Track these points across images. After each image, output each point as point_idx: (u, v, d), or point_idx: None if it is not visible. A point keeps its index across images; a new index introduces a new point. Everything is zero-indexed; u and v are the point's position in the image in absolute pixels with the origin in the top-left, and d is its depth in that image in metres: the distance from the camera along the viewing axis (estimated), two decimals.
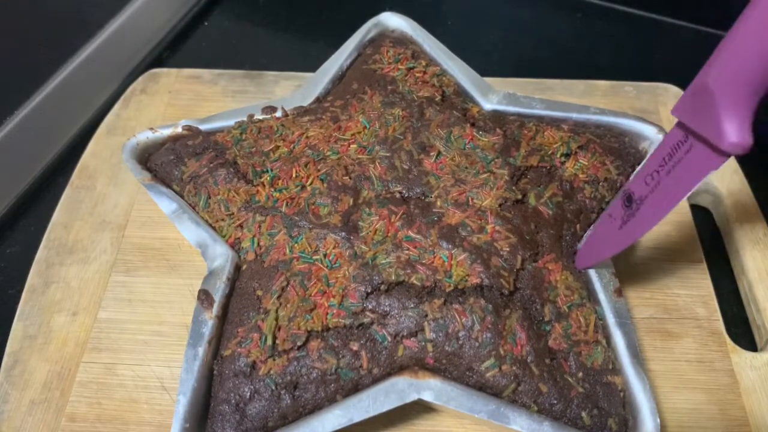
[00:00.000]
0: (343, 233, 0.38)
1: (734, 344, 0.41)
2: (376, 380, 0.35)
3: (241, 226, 0.40)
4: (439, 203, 0.40)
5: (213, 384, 0.35)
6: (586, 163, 0.42)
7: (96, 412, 0.38)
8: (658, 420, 0.33)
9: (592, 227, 0.38)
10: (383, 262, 0.37)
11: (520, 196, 0.40)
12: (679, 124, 0.31)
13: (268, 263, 0.38)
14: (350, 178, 0.41)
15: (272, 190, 0.41)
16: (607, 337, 0.36)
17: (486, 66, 0.51)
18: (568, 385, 0.34)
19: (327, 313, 0.35)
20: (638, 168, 0.33)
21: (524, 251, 0.37)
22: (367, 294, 0.36)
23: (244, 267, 0.39)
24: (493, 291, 0.36)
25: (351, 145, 0.43)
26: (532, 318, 0.36)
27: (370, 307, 0.36)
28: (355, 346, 0.35)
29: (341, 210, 0.39)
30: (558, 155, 0.43)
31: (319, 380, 0.34)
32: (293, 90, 0.55)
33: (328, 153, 0.43)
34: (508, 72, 0.57)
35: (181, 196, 0.43)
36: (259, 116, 0.46)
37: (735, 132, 0.27)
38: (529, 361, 0.34)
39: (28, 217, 0.51)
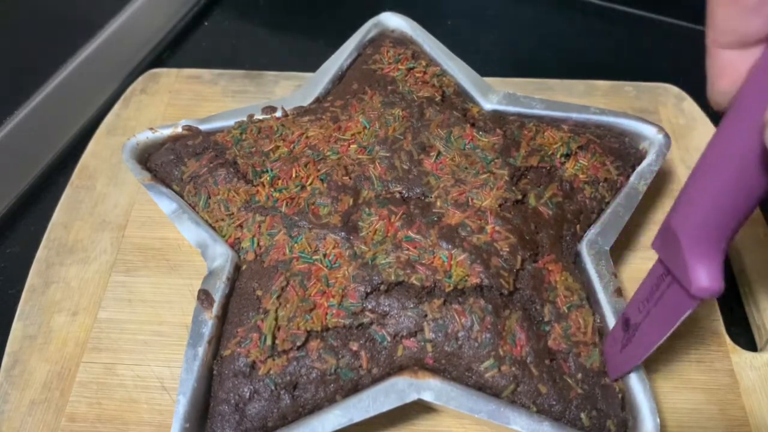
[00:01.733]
0: (343, 233, 0.38)
1: (734, 344, 0.41)
2: (376, 380, 0.35)
3: (240, 226, 0.40)
4: (439, 203, 0.40)
5: (213, 384, 0.35)
6: (586, 164, 0.42)
7: (96, 412, 0.38)
8: (658, 420, 0.33)
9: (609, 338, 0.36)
10: (383, 262, 0.37)
11: (520, 197, 0.40)
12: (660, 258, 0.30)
13: (267, 263, 0.38)
14: (350, 178, 0.41)
15: (272, 190, 0.41)
16: None
17: (486, 66, 0.51)
18: (568, 386, 0.34)
19: (327, 313, 0.35)
20: (635, 292, 0.32)
21: (524, 251, 0.37)
22: (367, 294, 0.36)
23: (244, 267, 0.39)
24: (492, 291, 0.36)
25: (351, 145, 0.43)
26: (532, 318, 0.36)
27: (369, 307, 0.36)
28: (354, 346, 0.35)
29: (341, 210, 0.39)
30: (558, 155, 0.43)
31: (318, 380, 0.34)
32: (293, 90, 0.55)
33: (328, 153, 0.43)
34: (508, 72, 0.57)
35: (181, 196, 0.43)
36: (259, 116, 0.46)
37: (703, 277, 0.26)
38: (528, 361, 0.34)
39: (28, 217, 0.51)
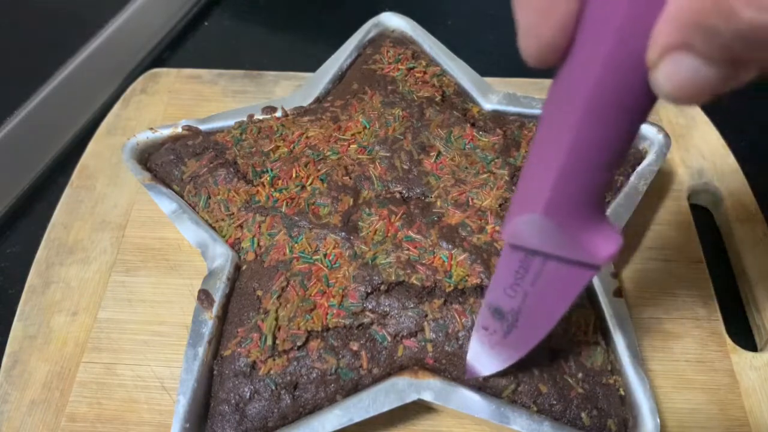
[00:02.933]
0: (343, 233, 0.38)
1: (734, 344, 0.41)
2: (376, 380, 0.35)
3: (241, 226, 0.40)
4: (439, 203, 0.40)
5: (213, 384, 0.35)
6: None
7: (96, 412, 0.38)
8: (658, 420, 0.33)
9: (473, 339, 0.33)
10: (383, 262, 0.37)
11: None
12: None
13: (268, 263, 0.38)
14: (350, 178, 0.41)
15: (272, 190, 0.41)
16: (607, 338, 0.36)
17: (486, 66, 0.51)
18: (568, 386, 0.34)
19: (327, 313, 0.35)
20: (492, 280, 0.28)
21: None
22: (367, 294, 0.36)
23: (244, 267, 0.39)
24: None
25: (351, 145, 0.43)
26: None
27: (370, 307, 0.36)
28: (355, 346, 0.35)
29: (341, 210, 0.39)
30: None
31: (319, 380, 0.34)
32: (293, 90, 0.55)
33: (328, 153, 0.43)
34: (508, 72, 0.57)
35: (181, 196, 0.43)
36: (259, 116, 0.46)
37: (601, 245, 0.23)
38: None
39: (28, 217, 0.51)
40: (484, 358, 0.33)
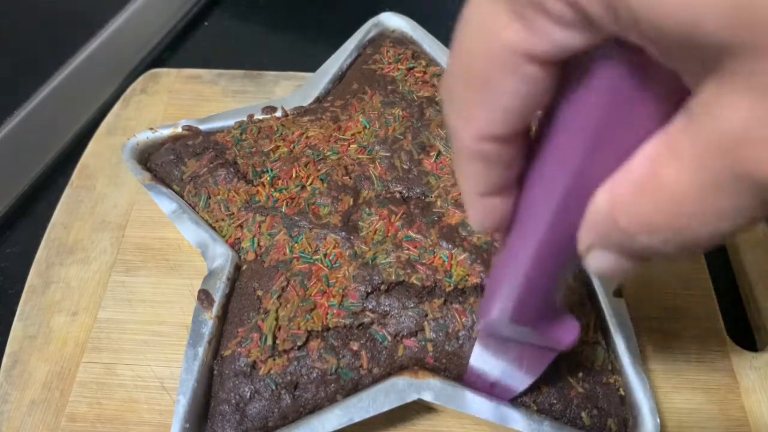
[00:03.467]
0: (343, 233, 0.38)
1: (734, 344, 0.41)
2: (376, 380, 0.35)
3: (241, 226, 0.40)
4: (439, 203, 0.40)
5: (213, 384, 0.35)
6: None
7: (96, 412, 0.38)
8: (658, 420, 0.33)
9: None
10: (383, 262, 0.37)
11: None
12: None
13: (268, 263, 0.38)
14: (350, 178, 0.41)
15: (272, 190, 0.41)
16: (607, 338, 0.36)
17: None
18: (568, 385, 0.34)
19: (327, 313, 0.35)
20: (471, 356, 0.33)
21: None
22: (367, 294, 0.36)
23: (244, 267, 0.39)
24: None
25: (351, 145, 0.43)
26: None
27: (370, 307, 0.36)
28: (355, 346, 0.35)
29: (341, 210, 0.39)
30: None
31: (319, 380, 0.34)
32: (293, 90, 0.55)
33: (328, 153, 0.43)
34: None
35: (181, 196, 0.43)
36: (259, 116, 0.46)
37: (564, 336, 0.27)
38: None
39: (28, 217, 0.51)
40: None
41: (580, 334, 0.27)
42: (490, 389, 0.33)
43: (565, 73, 0.17)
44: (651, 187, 0.16)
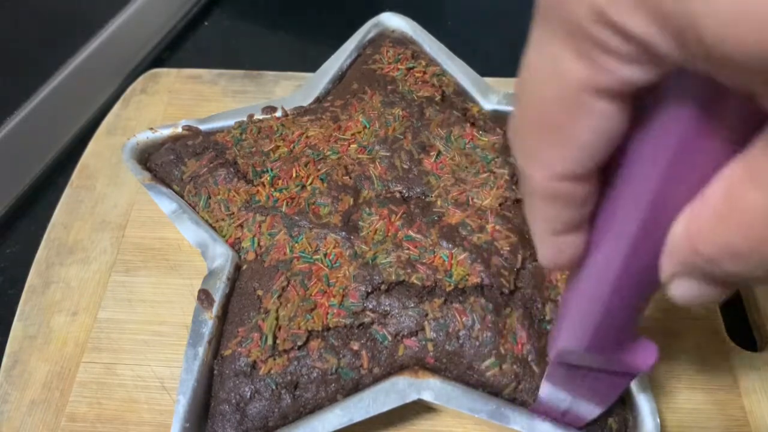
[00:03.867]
0: (344, 233, 0.38)
1: (734, 344, 0.41)
2: (377, 380, 0.35)
3: (241, 226, 0.40)
4: (439, 203, 0.40)
5: (213, 384, 0.35)
6: None
7: (96, 412, 0.38)
8: (658, 420, 0.33)
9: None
10: (383, 261, 0.37)
11: (520, 196, 0.40)
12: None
13: (268, 263, 0.38)
14: (350, 177, 0.41)
15: (272, 189, 0.41)
16: None
17: (486, 66, 0.51)
18: None
19: (327, 313, 0.35)
20: (543, 382, 0.33)
21: (525, 250, 0.37)
22: (368, 294, 0.36)
23: (245, 267, 0.39)
24: (493, 290, 0.36)
25: (351, 145, 0.43)
26: (533, 317, 0.36)
27: (370, 306, 0.36)
28: (355, 346, 0.35)
29: (341, 210, 0.39)
30: None
31: (319, 380, 0.34)
32: (293, 90, 0.55)
33: (328, 153, 0.43)
34: (508, 72, 0.57)
35: (181, 196, 0.43)
36: (259, 116, 0.46)
37: (642, 359, 0.27)
38: (529, 360, 0.34)
39: (28, 217, 0.51)
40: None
41: (657, 358, 0.27)
42: (561, 418, 0.33)
43: (637, 105, 0.17)
44: (732, 213, 0.15)
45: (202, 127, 0.46)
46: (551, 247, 0.21)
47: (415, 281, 0.36)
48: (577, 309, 0.23)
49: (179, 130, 0.46)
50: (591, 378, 0.29)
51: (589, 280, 0.22)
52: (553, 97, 0.17)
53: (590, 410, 0.32)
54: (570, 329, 0.24)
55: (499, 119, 0.45)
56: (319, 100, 0.48)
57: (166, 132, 0.46)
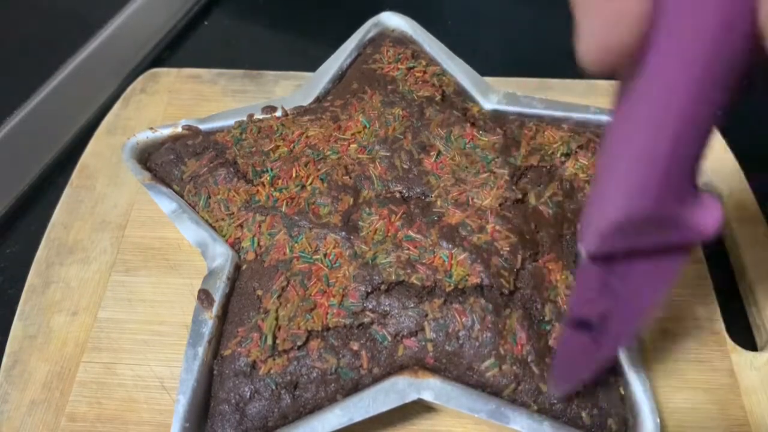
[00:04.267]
0: (343, 233, 0.38)
1: (734, 344, 0.41)
2: (377, 380, 0.35)
3: (241, 225, 0.40)
4: (439, 203, 0.40)
5: (213, 384, 0.35)
6: (587, 163, 0.42)
7: (96, 412, 0.38)
8: (658, 420, 0.33)
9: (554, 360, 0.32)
10: (383, 261, 0.37)
11: (520, 196, 0.40)
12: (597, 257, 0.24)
13: (268, 263, 0.38)
14: (350, 177, 0.41)
15: (272, 189, 0.41)
16: None
17: (486, 66, 0.51)
18: None
19: (327, 313, 0.35)
20: (570, 299, 0.28)
21: (524, 251, 0.37)
22: (367, 294, 0.36)
23: (244, 267, 0.39)
24: (493, 290, 0.36)
25: (351, 145, 0.43)
26: (533, 317, 0.36)
27: (370, 306, 0.36)
28: (355, 346, 0.35)
29: (341, 210, 0.39)
30: (558, 155, 0.43)
31: (319, 380, 0.34)
32: (293, 90, 0.55)
33: (328, 153, 0.43)
34: (508, 72, 0.57)
35: (181, 196, 0.43)
36: (259, 116, 0.46)
37: (705, 219, 0.21)
38: (529, 360, 0.34)
39: (28, 217, 0.51)
40: (574, 371, 0.32)
41: (722, 217, 0.22)
42: (591, 348, 0.29)
43: None
44: None
45: (202, 126, 0.46)
46: (601, 16, 0.16)
47: (414, 281, 0.36)
48: (631, 157, 0.19)
49: (179, 129, 0.46)
50: (635, 274, 0.24)
51: (652, 101, 0.18)
52: None
53: (632, 324, 0.27)
54: (623, 192, 0.20)
55: (499, 119, 0.45)
56: (319, 99, 0.48)
57: (166, 132, 0.46)
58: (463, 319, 0.35)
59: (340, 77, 0.49)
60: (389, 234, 0.38)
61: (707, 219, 0.21)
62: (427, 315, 0.35)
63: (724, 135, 0.51)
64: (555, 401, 0.34)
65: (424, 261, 0.37)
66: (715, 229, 0.22)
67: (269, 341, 0.35)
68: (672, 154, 0.19)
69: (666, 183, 0.20)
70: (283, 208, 0.40)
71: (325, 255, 0.37)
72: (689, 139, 0.18)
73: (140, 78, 0.57)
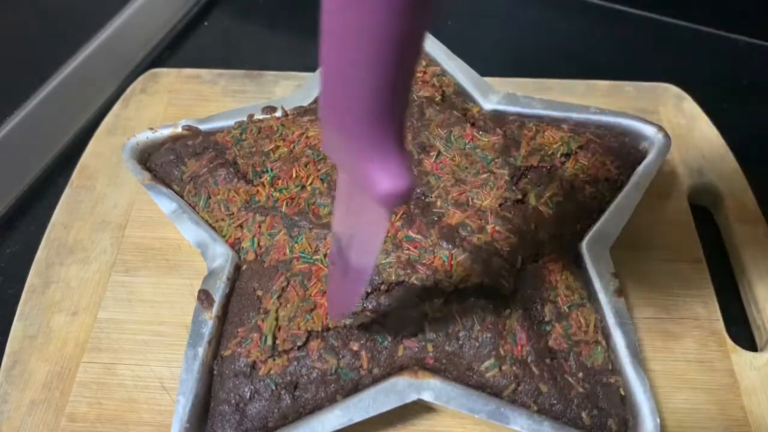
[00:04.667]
0: None
1: (734, 344, 0.41)
2: (377, 380, 0.35)
3: (241, 226, 0.40)
4: (439, 203, 0.40)
5: (213, 384, 0.35)
6: (587, 163, 0.42)
7: (96, 412, 0.38)
8: (658, 420, 0.33)
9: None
10: (383, 262, 0.37)
11: (520, 196, 0.40)
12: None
13: (268, 263, 0.38)
14: None
15: (272, 190, 0.41)
16: (607, 337, 0.36)
17: (486, 66, 0.51)
18: (568, 385, 0.34)
19: (327, 313, 0.35)
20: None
21: (524, 251, 0.37)
22: (368, 294, 0.36)
23: (244, 267, 0.39)
24: (493, 291, 0.36)
25: None
26: (533, 318, 0.36)
27: (370, 307, 0.36)
28: (355, 346, 0.35)
29: None
30: (558, 155, 0.43)
31: (319, 380, 0.34)
32: (293, 90, 0.55)
33: None
34: (508, 72, 0.57)
35: (181, 196, 0.43)
36: (259, 116, 0.46)
37: (384, 179, 0.20)
38: (529, 361, 0.34)
39: (28, 217, 0.51)
40: (342, 298, 0.32)
41: (406, 194, 0.20)
42: (343, 278, 0.29)
43: None
44: None
45: (202, 127, 0.46)
46: None
47: (414, 282, 0.36)
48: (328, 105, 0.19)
49: (179, 130, 0.46)
50: (355, 203, 0.24)
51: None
52: None
53: (359, 265, 0.27)
54: (323, 94, 0.20)
55: (499, 119, 0.45)
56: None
57: (166, 132, 0.46)
58: (463, 320, 0.35)
59: None
60: (389, 234, 0.38)
61: (385, 182, 0.20)
62: (427, 315, 0.35)
63: (724, 135, 0.52)
64: (555, 401, 0.34)
65: (424, 261, 0.37)
66: (387, 193, 0.20)
67: (269, 341, 0.35)
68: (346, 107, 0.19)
69: (332, 99, 0.19)
70: (283, 209, 0.40)
71: (325, 255, 0.37)
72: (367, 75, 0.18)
73: (140, 78, 0.57)
